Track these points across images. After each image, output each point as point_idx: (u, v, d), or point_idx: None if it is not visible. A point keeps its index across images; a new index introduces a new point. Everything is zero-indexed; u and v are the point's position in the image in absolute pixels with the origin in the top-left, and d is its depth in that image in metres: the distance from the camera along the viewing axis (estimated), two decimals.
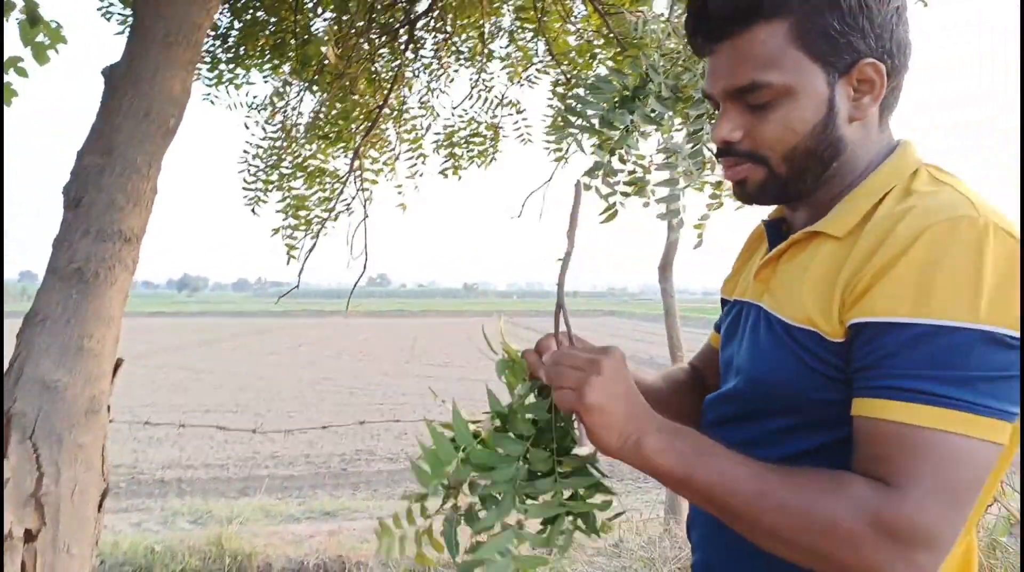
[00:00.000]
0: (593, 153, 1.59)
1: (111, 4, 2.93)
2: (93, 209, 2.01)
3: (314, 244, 2.80)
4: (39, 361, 1.94)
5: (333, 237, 3.02)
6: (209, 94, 3.09)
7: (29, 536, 1.91)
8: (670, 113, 1.68)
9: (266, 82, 3.09)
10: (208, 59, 3.02)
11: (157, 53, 2.08)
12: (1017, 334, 0.70)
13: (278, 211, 2.85)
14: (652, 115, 1.64)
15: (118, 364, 2.19)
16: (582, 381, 0.76)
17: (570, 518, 0.80)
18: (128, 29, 2.39)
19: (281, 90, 3.00)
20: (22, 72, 3.06)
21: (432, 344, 28.11)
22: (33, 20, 2.73)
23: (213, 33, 2.94)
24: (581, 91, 1.65)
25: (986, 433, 0.68)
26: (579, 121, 1.59)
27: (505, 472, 0.79)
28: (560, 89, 2.79)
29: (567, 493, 0.80)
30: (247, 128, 3.15)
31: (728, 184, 2.01)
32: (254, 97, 3.11)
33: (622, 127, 1.61)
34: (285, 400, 13.34)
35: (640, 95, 1.64)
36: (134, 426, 10.50)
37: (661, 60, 1.70)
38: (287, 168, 3.10)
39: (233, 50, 3.01)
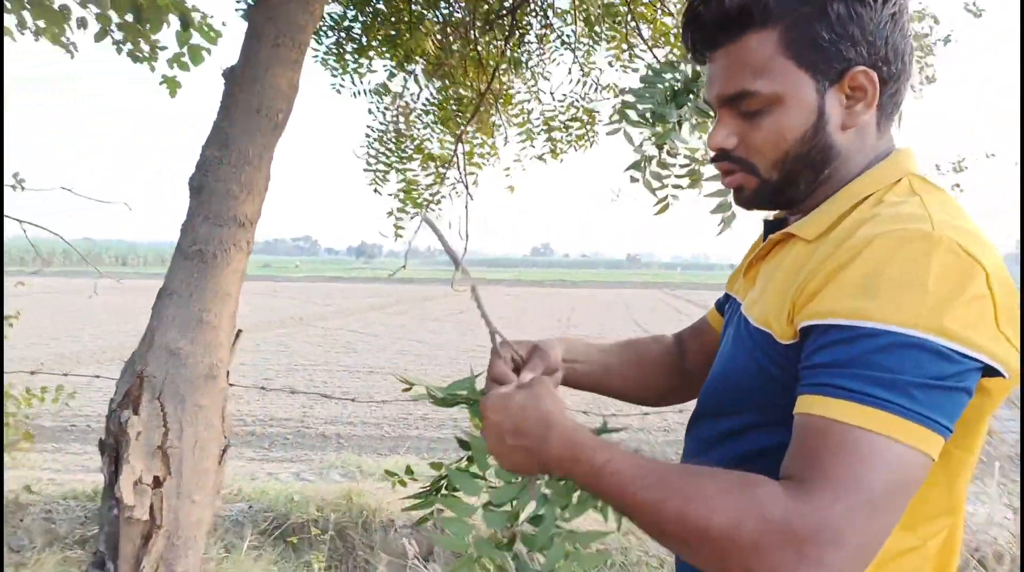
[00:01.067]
0: (641, 146, 1.56)
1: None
2: (212, 197, 2.25)
3: (419, 225, 2.93)
4: (167, 331, 2.21)
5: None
6: (335, 83, 3.30)
7: (157, 483, 2.20)
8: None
9: (385, 70, 3.26)
10: (334, 51, 3.23)
11: (267, 53, 2.27)
12: (959, 348, 0.68)
13: (390, 194, 3.02)
14: (703, 109, 1.59)
15: (237, 335, 2.44)
16: (487, 435, 0.86)
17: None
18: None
19: (396, 78, 3.15)
20: (184, 66, 3.42)
21: (589, 314, 28.18)
22: (185, 24, 3.05)
23: (337, 27, 3.13)
24: (636, 84, 1.62)
25: (914, 440, 0.66)
26: (633, 115, 1.57)
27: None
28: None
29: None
30: (370, 113, 3.34)
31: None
32: (377, 84, 3.28)
33: (673, 121, 1.58)
34: (441, 365, 14.01)
35: (693, 88, 1.58)
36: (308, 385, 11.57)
37: None
38: (405, 151, 3.26)
39: (356, 41, 3.19)
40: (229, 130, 2.26)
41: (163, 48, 3.36)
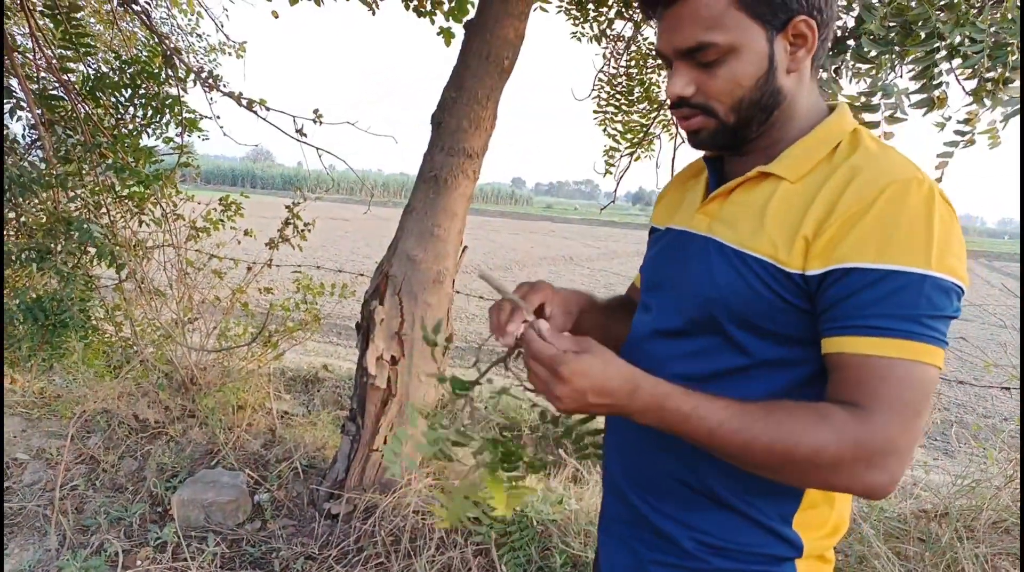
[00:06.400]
0: None
1: None
2: (446, 131, 2.67)
3: (629, 163, 3.13)
4: (407, 240, 2.72)
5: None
6: (576, 32, 3.56)
7: (393, 361, 2.76)
8: (888, 53, 1.60)
9: (620, 15, 3.42)
10: (577, 2, 3.48)
11: (497, 6, 2.60)
12: (954, 281, 0.81)
13: (608, 134, 3.22)
14: (865, 55, 1.59)
15: (463, 250, 2.90)
16: (550, 384, 0.85)
17: None
18: None
19: (626, 22, 3.31)
20: (457, 18, 3.92)
21: None
22: None
23: None
24: None
25: (931, 358, 0.80)
26: None
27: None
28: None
29: None
30: (604, 59, 3.55)
31: (980, 123, 1.77)
32: (611, 26, 3.47)
33: (833, 68, 1.61)
34: None
35: (856, 35, 1.60)
36: None
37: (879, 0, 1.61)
38: (633, 98, 3.43)
39: None
40: (464, 73, 2.65)
41: (440, 2, 3.87)
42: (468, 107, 2.65)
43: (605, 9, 3.48)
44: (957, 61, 1.76)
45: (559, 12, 3.54)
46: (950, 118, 1.82)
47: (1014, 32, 1.69)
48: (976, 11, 1.77)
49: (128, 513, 2.65)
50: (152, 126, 3.87)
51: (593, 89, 3.48)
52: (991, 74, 1.75)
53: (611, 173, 3.31)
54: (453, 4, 3.73)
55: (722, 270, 0.93)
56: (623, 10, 3.32)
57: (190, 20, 6.25)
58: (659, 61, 3.32)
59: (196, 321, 3.64)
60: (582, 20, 3.55)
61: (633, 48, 3.48)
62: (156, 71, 3.73)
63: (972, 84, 1.80)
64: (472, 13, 3.69)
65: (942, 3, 1.73)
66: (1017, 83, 1.74)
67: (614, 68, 3.49)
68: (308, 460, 3.08)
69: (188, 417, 3.39)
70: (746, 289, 0.90)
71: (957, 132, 1.80)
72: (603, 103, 3.52)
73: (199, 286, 3.72)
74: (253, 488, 2.87)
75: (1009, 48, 1.69)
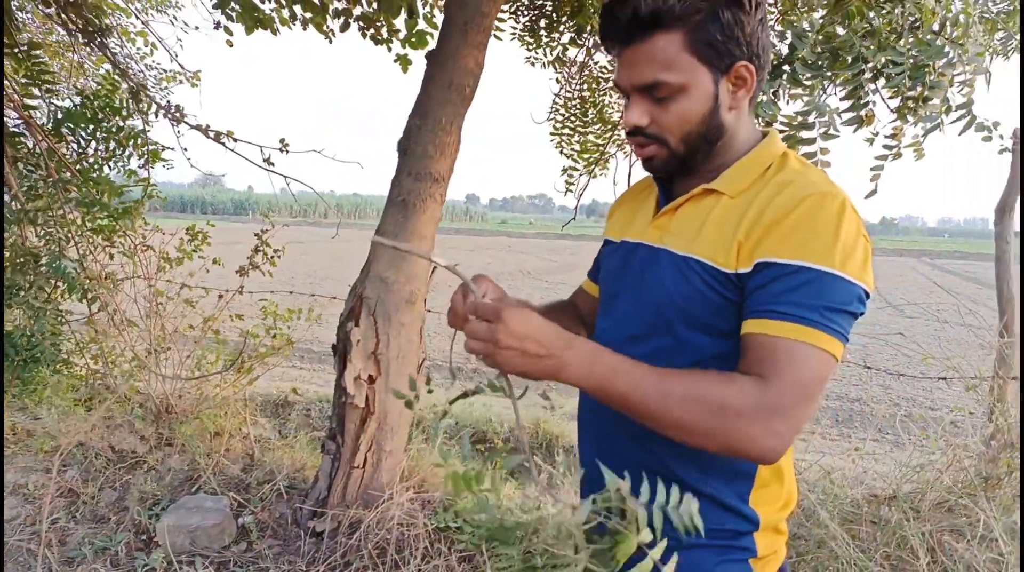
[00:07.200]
0: None
1: None
2: (413, 157, 2.79)
3: (587, 182, 3.31)
4: (379, 263, 2.82)
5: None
6: (530, 57, 3.73)
7: (371, 380, 2.85)
8: (819, 77, 1.77)
9: (573, 42, 3.60)
10: (528, 28, 3.64)
11: (457, 38, 2.73)
12: (855, 281, 0.93)
13: (564, 154, 3.39)
14: (799, 79, 1.76)
15: (433, 270, 3.01)
16: (493, 330, 0.91)
17: None
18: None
19: (580, 49, 3.49)
20: (415, 46, 4.05)
21: None
22: (411, 12, 3.64)
23: (531, 6, 3.54)
24: None
25: (829, 346, 0.91)
26: None
27: None
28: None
29: None
30: (559, 83, 3.72)
31: (905, 138, 1.97)
32: (559, 56, 3.65)
33: (771, 91, 1.78)
34: None
35: (790, 61, 1.76)
36: None
37: (809, 30, 1.78)
38: (587, 119, 3.60)
39: (548, 18, 3.58)
40: (427, 102, 2.78)
41: (397, 31, 3.99)
42: (433, 134, 2.78)
43: (557, 35, 3.66)
44: (882, 82, 1.95)
45: (513, 39, 3.70)
46: (878, 134, 2.01)
47: (931, 55, 1.89)
48: (896, 36, 1.97)
49: (113, 542, 2.68)
50: (114, 159, 3.91)
51: (550, 112, 3.64)
52: (912, 93, 1.95)
53: (571, 191, 3.47)
54: (411, 33, 3.88)
55: (672, 275, 1.07)
56: (575, 37, 3.50)
57: (139, 50, 6.25)
58: (611, 84, 3.50)
59: (169, 350, 3.67)
60: (535, 46, 3.71)
61: (586, 72, 3.66)
62: (119, 105, 3.78)
63: (896, 102, 2.00)
64: (432, 42, 3.85)
65: (865, 30, 1.93)
66: (936, 100, 1.94)
67: (568, 92, 3.65)
68: (289, 481, 3.14)
69: (166, 445, 3.41)
70: (692, 290, 1.04)
71: (885, 146, 1.99)
72: (559, 126, 3.68)
73: (171, 316, 3.75)
74: (237, 511, 2.92)
75: (927, 69, 1.89)
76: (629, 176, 3.22)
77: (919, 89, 1.90)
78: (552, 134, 3.62)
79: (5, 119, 3.60)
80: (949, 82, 1.82)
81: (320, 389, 5.55)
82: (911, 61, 1.87)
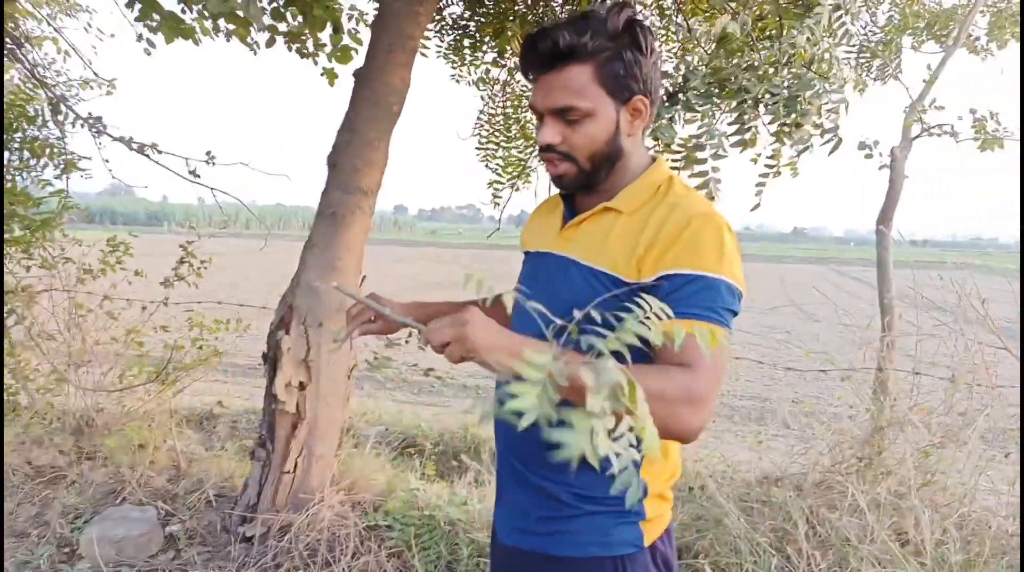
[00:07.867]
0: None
1: None
2: (342, 171, 2.90)
3: (511, 195, 3.51)
4: (309, 273, 2.91)
5: None
6: (455, 74, 3.89)
7: (302, 386, 2.93)
8: (709, 105, 2.00)
9: (495, 63, 3.79)
10: (453, 47, 3.81)
11: (383, 58, 2.87)
12: (736, 285, 1.12)
13: (490, 168, 3.57)
14: (692, 106, 1.99)
15: (363, 280, 3.12)
16: (461, 331, 1.01)
17: None
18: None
19: (503, 68, 3.68)
20: (341, 60, 4.14)
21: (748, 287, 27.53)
22: (336, 29, 3.74)
23: (455, 26, 3.70)
24: None
25: (725, 337, 1.08)
26: None
27: None
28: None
29: None
30: (483, 100, 3.90)
31: (783, 158, 2.23)
32: (484, 74, 3.83)
33: (668, 117, 1.99)
34: None
35: (684, 91, 1.99)
36: None
37: (700, 64, 2.01)
38: (511, 131, 3.79)
39: (472, 37, 3.75)
40: (355, 118, 2.89)
41: (323, 46, 4.07)
42: (361, 149, 2.89)
43: (481, 54, 3.84)
44: (762, 109, 2.21)
45: (438, 57, 3.86)
46: (760, 154, 2.27)
47: (800, 87, 2.15)
48: (774, 70, 2.23)
49: (35, 556, 2.67)
50: (28, 170, 3.85)
51: (475, 127, 3.81)
52: (787, 119, 2.21)
53: (498, 203, 3.65)
54: (336, 47, 3.98)
55: (579, 280, 1.24)
56: (497, 58, 3.68)
57: (47, 55, 6.08)
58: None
59: (90, 363, 3.63)
60: (459, 64, 3.88)
61: (508, 90, 3.85)
62: (33, 115, 3.73)
63: (775, 127, 2.26)
64: (356, 56, 3.96)
65: (748, 64, 2.18)
66: (808, 126, 2.21)
67: (492, 108, 3.83)
68: (218, 489, 3.17)
69: (87, 459, 3.38)
70: (597, 295, 1.20)
71: (767, 165, 2.25)
72: (484, 140, 3.85)
73: (91, 328, 3.71)
74: (164, 520, 2.94)
75: (799, 99, 2.16)
76: (549, 189, 3.42)
77: (793, 116, 2.16)
78: (477, 148, 3.79)
79: None
80: (816, 110, 2.09)
81: (246, 402, 5.52)
82: (786, 92, 2.13)
